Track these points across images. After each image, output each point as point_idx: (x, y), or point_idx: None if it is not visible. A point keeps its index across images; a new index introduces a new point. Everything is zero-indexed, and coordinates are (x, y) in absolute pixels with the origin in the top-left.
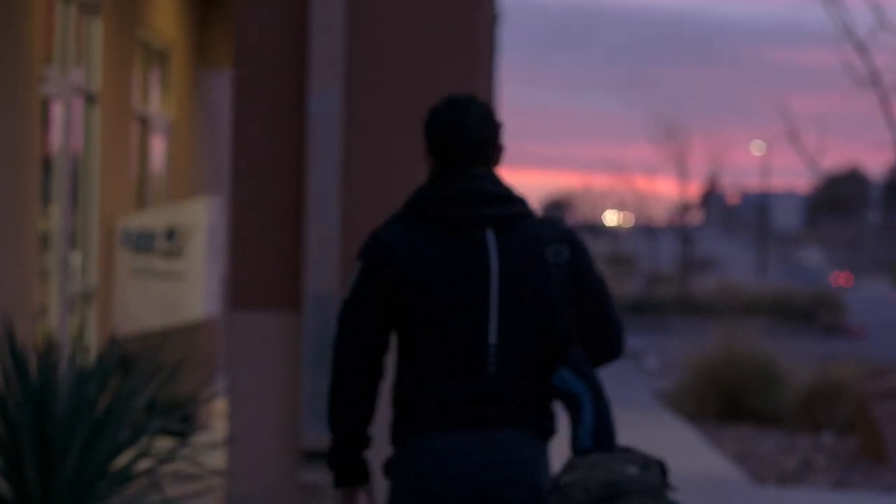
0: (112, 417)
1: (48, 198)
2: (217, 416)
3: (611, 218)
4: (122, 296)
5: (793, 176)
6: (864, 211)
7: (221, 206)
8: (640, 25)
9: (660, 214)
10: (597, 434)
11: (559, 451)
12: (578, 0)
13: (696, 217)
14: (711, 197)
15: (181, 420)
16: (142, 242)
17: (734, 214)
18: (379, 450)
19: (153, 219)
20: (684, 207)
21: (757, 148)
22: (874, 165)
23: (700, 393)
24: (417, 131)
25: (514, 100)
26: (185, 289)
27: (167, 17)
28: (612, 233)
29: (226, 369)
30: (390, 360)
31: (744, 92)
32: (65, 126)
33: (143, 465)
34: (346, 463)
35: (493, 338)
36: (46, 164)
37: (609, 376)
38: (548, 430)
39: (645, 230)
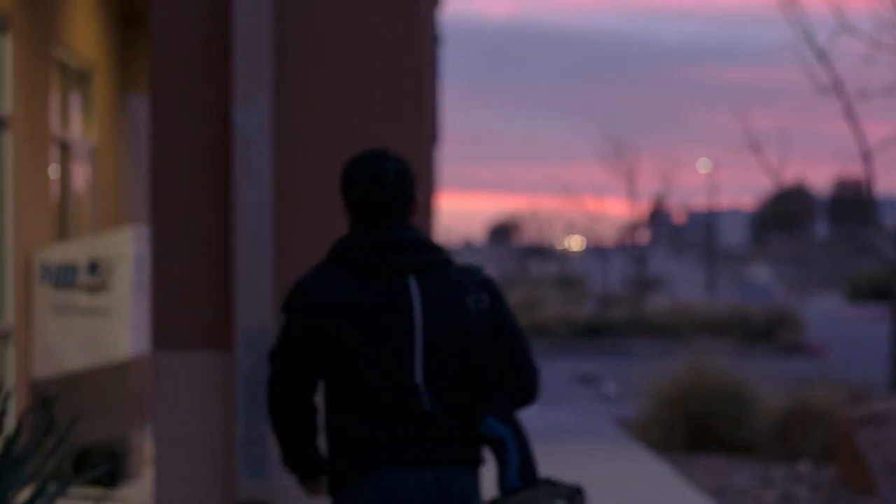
0: (11, 468)
1: None
2: (148, 463)
3: (562, 242)
4: (41, 334)
5: (738, 193)
6: (810, 226)
7: (149, 236)
8: (579, 47)
9: (609, 235)
10: (522, 473)
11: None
12: (517, 23)
13: (643, 237)
14: (657, 216)
15: (108, 469)
16: (62, 276)
17: (680, 234)
18: None
19: (75, 250)
20: (633, 227)
21: (703, 166)
22: (818, 181)
23: (666, 421)
24: (355, 137)
25: (457, 123)
26: (112, 325)
27: (86, 37)
28: (561, 255)
29: (151, 415)
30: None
31: (687, 112)
32: None
33: None
34: (302, 462)
35: (419, 378)
36: None
37: (568, 404)
38: (479, 464)
39: (595, 251)
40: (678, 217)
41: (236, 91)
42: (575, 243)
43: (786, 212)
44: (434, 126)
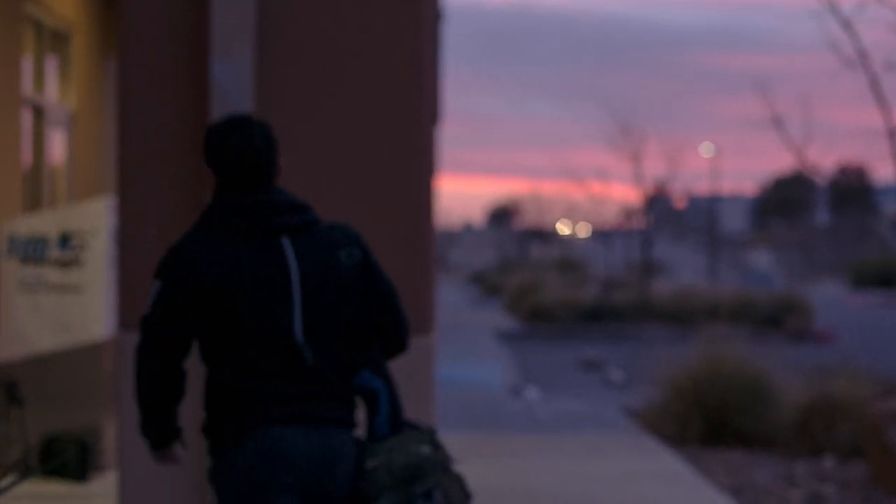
0: None
1: None
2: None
3: (565, 227)
4: (8, 313)
5: (740, 180)
6: (812, 213)
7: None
8: (581, 30)
9: (610, 219)
10: (391, 422)
11: None
12: (521, 5)
13: (643, 221)
14: (658, 201)
15: (77, 460)
16: (31, 250)
17: (681, 218)
18: None
19: (45, 222)
20: (634, 211)
21: (706, 150)
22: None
23: (680, 412)
24: (351, 110)
25: (457, 106)
26: (84, 304)
27: None
28: (562, 239)
29: (116, 401)
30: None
31: (690, 98)
32: None
33: None
34: (159, 428)
35: (300, 336)
36: None
37: (573, 391)
38: (356, 424)
39: (597, 235)
40: (679, 202)
41: (214, 41)
42: (579, 229)
43: (786, 198)
44: (435, 104)
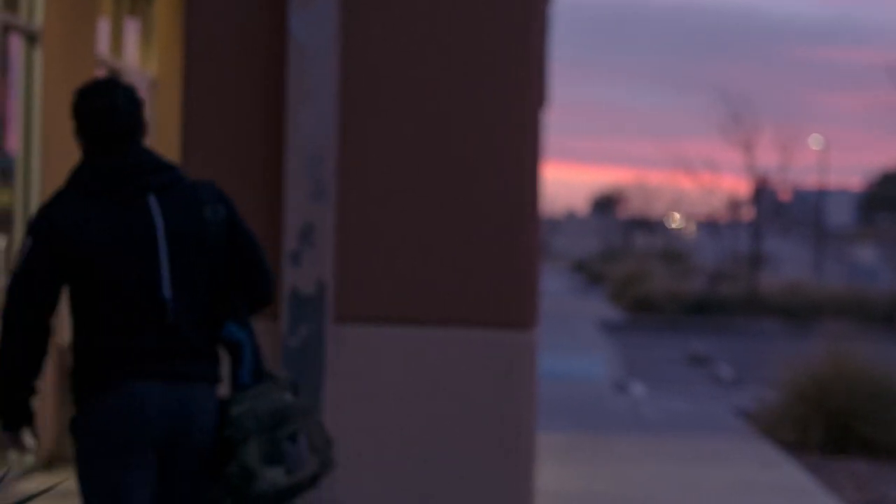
0: None
1: None
2: None
3: (673, 219)
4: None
5: (846, 175)
6: None
7: None
8: (690, 21)
9: (718, 210)
10: (254, 372)
11: None
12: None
13: (748, 213)
14: (763, 193)
15: None
16: None
17: (786, 211)
18: None
19: None
20: (740, 203)
21: (815, 143)
22: None
23: (801, 417)
24: (450, 80)
25: (564, 94)
26: None
27: None
28: (667, 229)
29: None
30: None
31: (798, 90)
32: None
33: None
34: (13, 407)
35: (167, 293)
36: None
37: (680, 388)
38: (219, 379)
39: (705, 226)
40: (784, 194)
41: None
42: (686, 220)
43: (894, 193)
44: (542, 86)
